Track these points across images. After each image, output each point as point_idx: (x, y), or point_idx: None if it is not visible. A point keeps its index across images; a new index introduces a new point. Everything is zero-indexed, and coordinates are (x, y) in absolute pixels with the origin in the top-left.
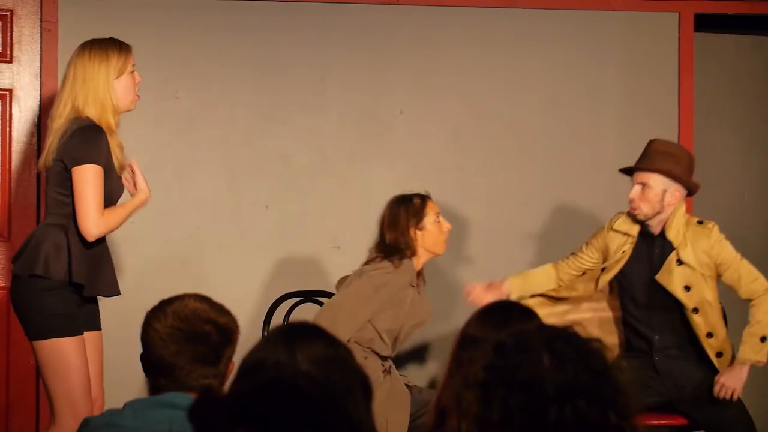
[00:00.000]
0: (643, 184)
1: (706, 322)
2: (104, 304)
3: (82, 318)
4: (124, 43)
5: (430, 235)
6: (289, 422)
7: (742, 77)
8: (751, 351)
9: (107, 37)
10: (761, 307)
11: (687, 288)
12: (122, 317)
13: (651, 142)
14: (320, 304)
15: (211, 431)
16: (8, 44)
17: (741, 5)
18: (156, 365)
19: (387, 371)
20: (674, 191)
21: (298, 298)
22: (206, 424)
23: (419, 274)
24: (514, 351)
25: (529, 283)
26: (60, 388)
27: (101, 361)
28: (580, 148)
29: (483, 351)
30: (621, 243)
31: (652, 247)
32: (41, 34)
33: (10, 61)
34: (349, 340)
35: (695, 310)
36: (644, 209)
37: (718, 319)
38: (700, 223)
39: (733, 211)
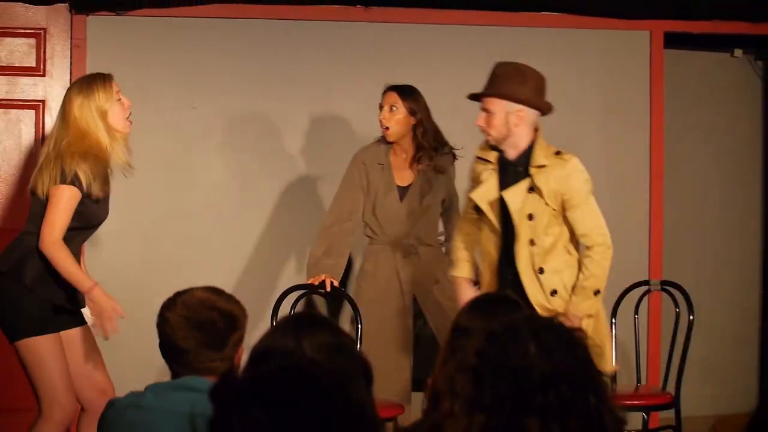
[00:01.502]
0: (487, 110)
1: (543, 261)
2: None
3: (64, 317)
4: (106, 74)
5: None
6: (299, 404)
7: (708, 91)
8: (584, 303)
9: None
10: (595, 260)
11: (530, 216)
12: (138, 311)
13: (495, 66)
14: (323, 296)
15: (229, 412)
16: (41, 59)
17: (706, 25)
18: (170, 351)
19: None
20: (517, 112)
21: (302, 291)
22: (226, 406)
23: (413, 161)
24: (504, 339)
25: (471, 262)
26: (43, 383)
27: (95, 353)
28: None
29: (475, 339)
30: (483, 169)
31: (507, 174)
32: (71, 50)
33: (43, 75)
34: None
35: (532, 242)
36: (493, 134)
37: (569, 276)
38: (558, 153)
39: (701, 216)
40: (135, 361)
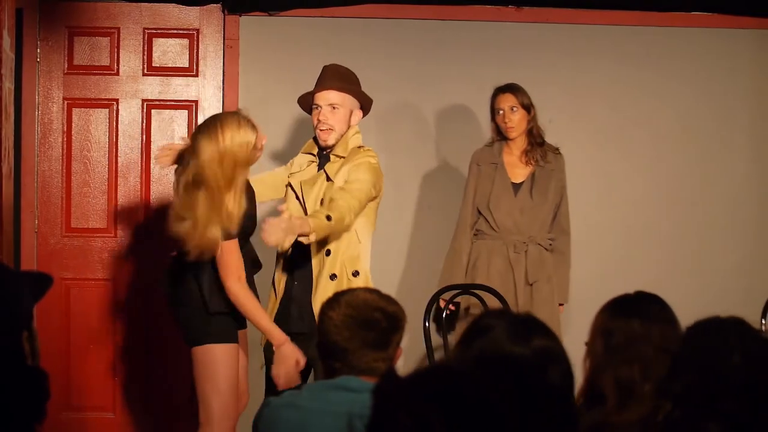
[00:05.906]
0: (333, 105)
1: (334, 247)
2: None
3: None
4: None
5: None
6: (466, 401)
7: None
8: (318, 222)
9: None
10: (332, 202)
11: (322, 201)
12: None
13: (326, 67)
14: (476, 296)
15: (395, 410)
16: (194, 60)
17: None
18: (331, 350)
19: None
20: (357, 111)
21: (455, 291)
22: (390, 403)
23: (526, 157)
24: (711, 338)
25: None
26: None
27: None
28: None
29: (669, 327)
30: (304, 162)
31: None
32: (224, 50)
33: (196, 75)
34: None
35: (329, 217)
36: (338, 130)
37: (351, 257)
38: (360, 147)
39: None
40: None
